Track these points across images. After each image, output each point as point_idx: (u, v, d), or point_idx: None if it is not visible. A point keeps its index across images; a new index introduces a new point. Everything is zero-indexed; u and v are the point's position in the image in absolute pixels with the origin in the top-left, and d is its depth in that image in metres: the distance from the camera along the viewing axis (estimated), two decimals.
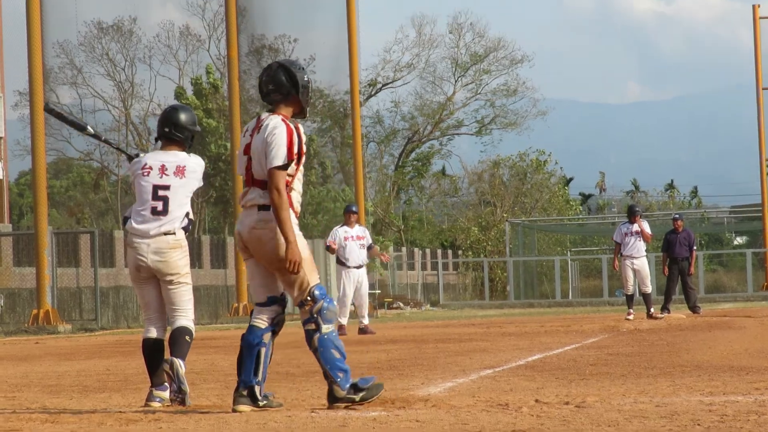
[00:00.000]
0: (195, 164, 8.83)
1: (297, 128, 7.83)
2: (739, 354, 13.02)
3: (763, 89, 46.09)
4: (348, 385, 7.81)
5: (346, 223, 20.96)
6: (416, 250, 63.45)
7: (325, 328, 7.77)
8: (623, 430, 6.59)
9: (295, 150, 7.74)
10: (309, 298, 7.78)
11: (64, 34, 54.66)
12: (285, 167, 7.72)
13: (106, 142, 9.50)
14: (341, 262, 20.95)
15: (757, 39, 45.63)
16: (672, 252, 25.62)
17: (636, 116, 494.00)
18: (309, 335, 7.78)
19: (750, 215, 61.44)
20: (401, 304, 46.21)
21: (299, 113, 8.02)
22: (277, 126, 7.81)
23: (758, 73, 45.76)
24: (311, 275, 7.81)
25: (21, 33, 28.28)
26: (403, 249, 62.14)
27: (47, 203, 28.69)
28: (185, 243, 8.70)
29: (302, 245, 7.75)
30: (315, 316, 7.76)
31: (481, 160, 70.46)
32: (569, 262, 53.38)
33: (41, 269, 26.24)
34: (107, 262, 39.62)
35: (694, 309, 25.94)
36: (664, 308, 25.37)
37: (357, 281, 20.96)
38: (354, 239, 20.92)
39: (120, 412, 8.23)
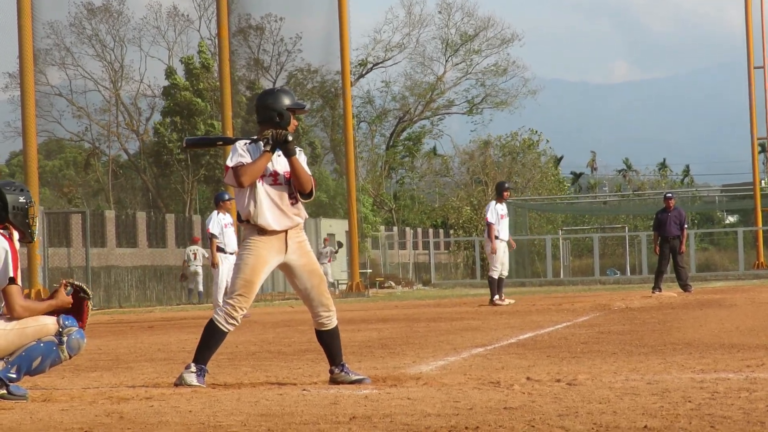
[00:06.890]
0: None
1: None
2: (730, 332, 13.04)
3: (754, 68, 46.06)
4: (3, 378, 7.47)
5: (223, 210, 20.89)
6: (408, 229, 63.45)
7: (62, 350, 7.56)
8: (614, 407, 6.59)
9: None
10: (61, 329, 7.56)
11: (54, 15, 54.52)
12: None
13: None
14: (220, 249, 20.88)
15: (748, 17, 45.51)
16: (663, 231, 25.67)
17: (625, 96, 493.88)
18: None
19: (741, 193, 61.50)
20: (392, 284, 46.28)
21: (21, 237, 7.63)
22: None
23: (750, 52, 45.69)
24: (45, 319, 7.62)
25: (10, 14, 28.12)
26: (395, 228, 62.16)
27: (39, 183, 28.62)
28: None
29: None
30: (63, 336, 7.56)
31: (472, 140, 70.47)
32: (561, 241, 53.36)
33: (32, 249, 26.11)
34: (98, 241, 39.66)
35: (685, 287, 26.02)
36: (656, 287, 25.46)
37: (231, 266, 21.01)
38: (231, 226, 20.97)
39: (111, 390, 8.22)
